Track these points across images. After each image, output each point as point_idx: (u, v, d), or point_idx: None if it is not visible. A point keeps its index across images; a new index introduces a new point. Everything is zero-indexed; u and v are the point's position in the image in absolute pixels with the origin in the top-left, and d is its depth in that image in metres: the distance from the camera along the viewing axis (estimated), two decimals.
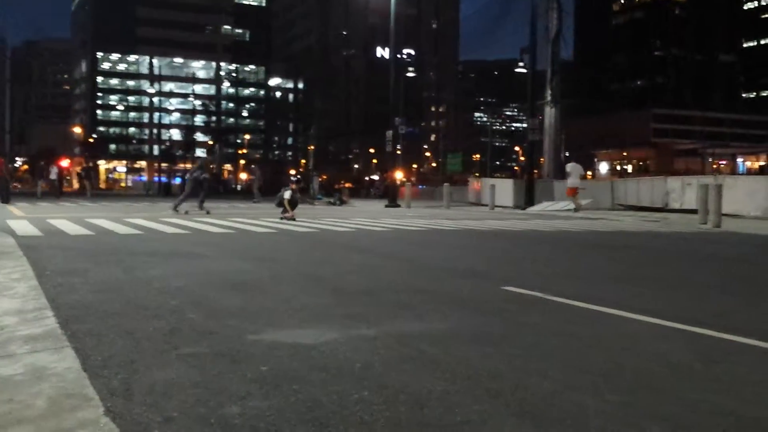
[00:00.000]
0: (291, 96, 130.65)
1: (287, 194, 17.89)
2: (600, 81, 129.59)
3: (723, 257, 11.12)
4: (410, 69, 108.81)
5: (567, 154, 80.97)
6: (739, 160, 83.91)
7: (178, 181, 78.84)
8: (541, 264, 9.65)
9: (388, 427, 2.91)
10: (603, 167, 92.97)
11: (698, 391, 3.52)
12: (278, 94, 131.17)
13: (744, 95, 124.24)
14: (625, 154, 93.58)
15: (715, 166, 78.36)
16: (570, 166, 26.71)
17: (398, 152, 35.48)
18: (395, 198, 32.11)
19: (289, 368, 3.78)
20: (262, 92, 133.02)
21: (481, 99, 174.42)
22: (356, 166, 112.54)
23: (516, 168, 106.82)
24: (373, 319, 5.20)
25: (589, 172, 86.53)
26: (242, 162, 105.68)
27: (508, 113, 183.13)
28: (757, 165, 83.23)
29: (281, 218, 17.46)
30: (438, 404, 3.21)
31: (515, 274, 8.07)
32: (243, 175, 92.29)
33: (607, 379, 3.70)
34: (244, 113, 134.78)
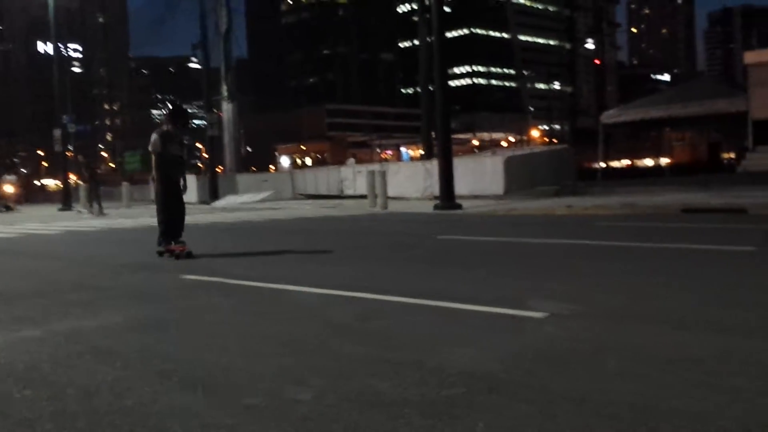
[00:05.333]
0: None
1: None
2: (277, 78, 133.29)
3: (383, 233, 12.29)
4: (77, 65, 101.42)
5: (249, 149, 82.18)
6: (403, 149, 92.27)
7: None
8: (222, 251, 9.77)
9: (52, 420, 2.81)
10: (285, 161, 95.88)
11: (355, 344, 3.93)
12: None
13: (403, 91, 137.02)
14: (303, 147, 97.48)
15: (383, 156, 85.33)
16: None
17: (69, 153, 32.98)
18: (70, 200, 29.88)
19: None
20: None
21: (158, 96, 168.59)
22: (24, 170, 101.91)
23: (200, 165, 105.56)
24: (40, 319, 4.90)
25: (272, 166, 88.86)
26: None
27: (188, 110, 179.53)
28: (418, 153, 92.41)
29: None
30: (109, 392, 3.17)
31: (195, 263, 8.08)
32: None
33: (280, 345, 3.96)
34: None
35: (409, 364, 3.45)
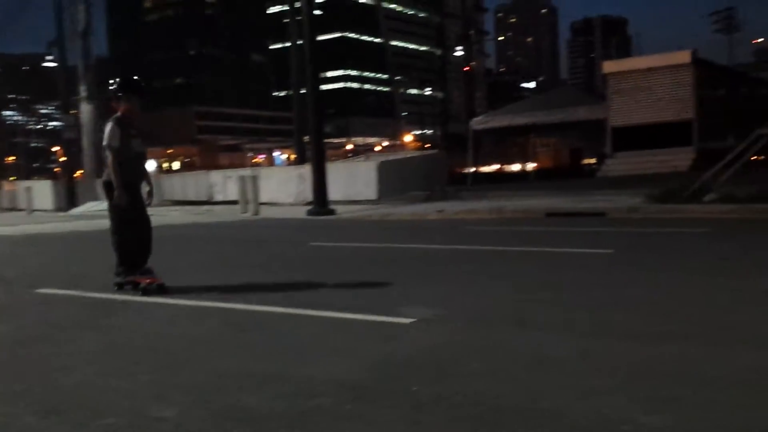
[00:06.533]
0: None
1: None
2: (141, 78, 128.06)
3: (254, 240, 12.09)
4: None
5: None
6: (276, 153, 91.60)
7: None
8: (78, 264, 9.28)
9: None
10: (150, 165, 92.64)
11: (226, 358, 3.82)
12: None
13: (275, 93, 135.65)
14: (170, 151, 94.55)
15: (255, 160, 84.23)
16: None
17: None
18: None
19: None
20: None
21: (11, 96, 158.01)
22: None
23: (57, 169, 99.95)
24: None
25: None
26: None
27: (43, 111, 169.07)
28: (292, 157, 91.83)
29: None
30: None
31: (49, 276, 7.62)
32: None
33: (141, 362, 3.78)
34: None
35: (278, 376, 3.40)
